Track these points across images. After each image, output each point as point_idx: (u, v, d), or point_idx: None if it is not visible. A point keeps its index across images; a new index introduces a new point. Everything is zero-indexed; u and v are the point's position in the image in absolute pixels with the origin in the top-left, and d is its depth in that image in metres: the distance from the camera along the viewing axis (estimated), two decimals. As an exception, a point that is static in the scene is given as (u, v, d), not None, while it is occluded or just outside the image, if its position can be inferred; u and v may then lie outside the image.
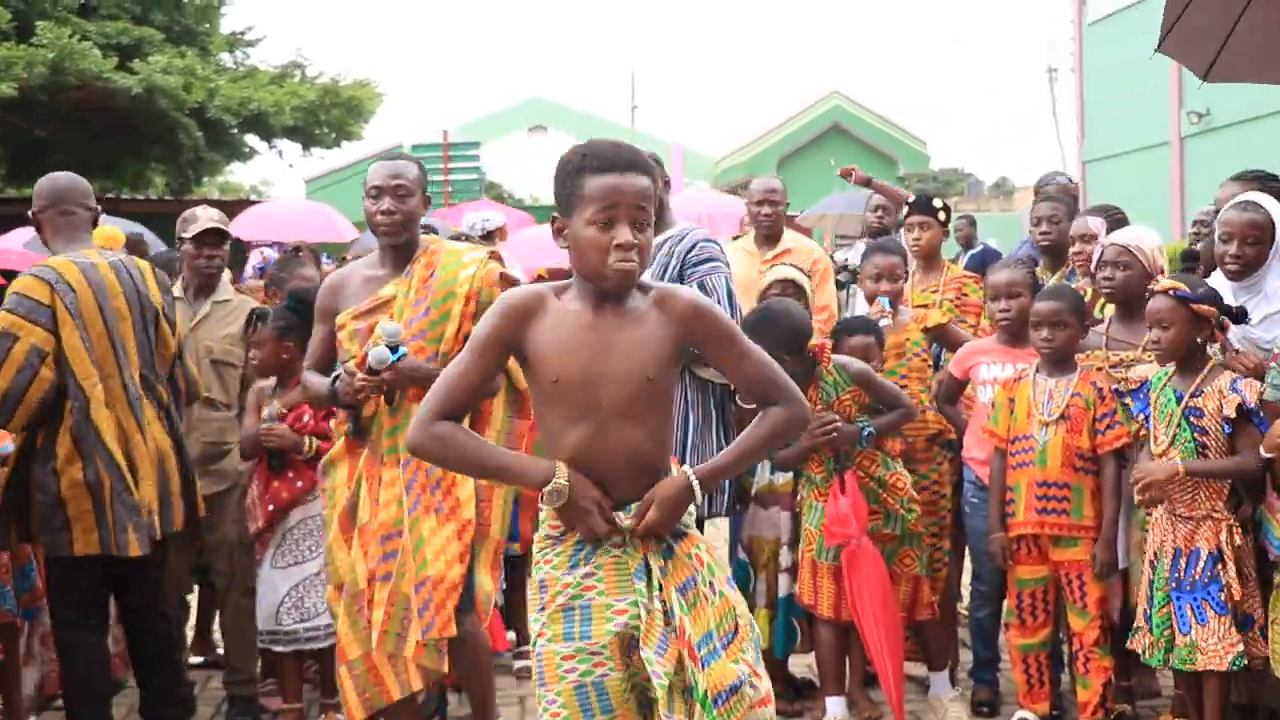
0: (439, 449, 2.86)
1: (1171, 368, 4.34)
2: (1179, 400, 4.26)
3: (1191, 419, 4.22)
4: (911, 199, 6.14)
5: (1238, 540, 4.17)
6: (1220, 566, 4.14)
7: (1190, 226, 5.51)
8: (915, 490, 4.92)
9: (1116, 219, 5.42)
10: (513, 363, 3.36)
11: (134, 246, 9.63)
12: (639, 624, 2.77)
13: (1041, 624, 4.75)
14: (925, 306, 5.58)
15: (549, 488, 2.76)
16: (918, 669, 5.19)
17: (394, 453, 4.07)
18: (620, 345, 2.77)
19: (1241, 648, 4.09)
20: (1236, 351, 4.35)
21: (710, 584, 2.85)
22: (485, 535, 4.16)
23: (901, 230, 6.11)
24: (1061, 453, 4.59)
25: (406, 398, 4.06)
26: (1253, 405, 4.12)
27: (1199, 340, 4.25)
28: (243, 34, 21.57)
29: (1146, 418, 4.37)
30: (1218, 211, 5.01)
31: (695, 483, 2.82)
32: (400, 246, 4.21)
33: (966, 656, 5.23)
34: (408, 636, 3.98)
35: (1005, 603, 4.94)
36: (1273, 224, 4.41)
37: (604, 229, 2.72)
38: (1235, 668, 4.10)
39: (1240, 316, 4.26)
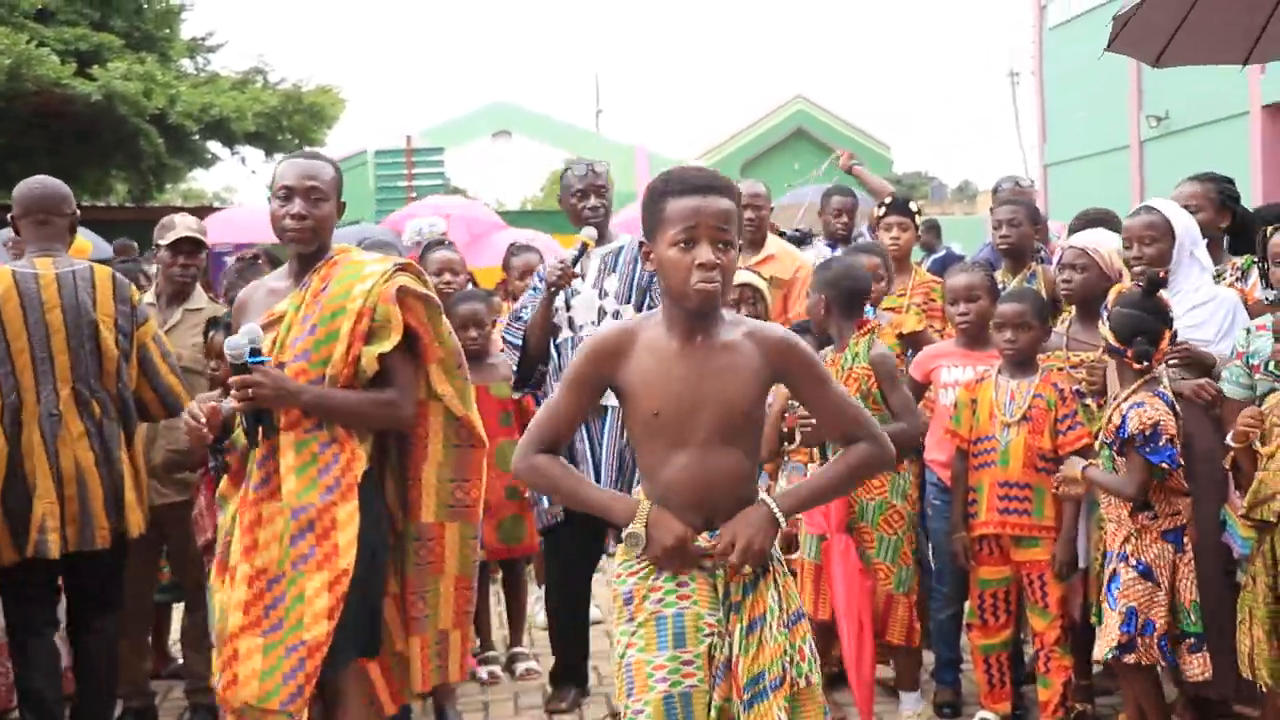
0: (534, 479, 3.04)
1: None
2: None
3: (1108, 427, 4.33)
4: (888, 200, 6.18)
5: (1143, 543, 4.22)
6: (1123, 565, 4.22)
7: None
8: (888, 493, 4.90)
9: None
10: (447, 389, 3.77)
11: (120, 251, 9.55)
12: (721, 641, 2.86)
13: (1003, 624, 4.77)
14: (893, 310, 5.60)
15: (626, 531, 2.86)
16: (885, 671, 5.20)
17: (265, 487, 3.62)
18: (714, 375, 2.82)
19: (1114, 644, 4.17)
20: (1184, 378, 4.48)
21: (774, 626, 2.88)
22: (440, 572, 3.88)
23: (878, 230, 6.14)
24: (1023, 453, 4.62)
25: (276, 430, 3.61)
26: (1128, 433, 4.16)
27: (1110, 354, 4.36)
28: (204, 40, 21.40)
29: None
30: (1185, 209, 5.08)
31: (777, 511, 2.86)
32: (308, 256, 3.77)
33: (928, 658, 5.25)
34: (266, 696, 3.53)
35: (967, 604, 4.96)
36: (1169, 224, 4.63)
37: (685, 250, 2.77)
38: (1105, 659, 4.25)
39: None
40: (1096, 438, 4.57)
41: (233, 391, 3.52)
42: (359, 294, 3.65)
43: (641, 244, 2.93)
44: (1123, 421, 4.20)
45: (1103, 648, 4.24)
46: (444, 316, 3.82)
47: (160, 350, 4.64)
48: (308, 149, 3.82)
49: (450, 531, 3.87)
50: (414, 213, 12.12)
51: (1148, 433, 4.13)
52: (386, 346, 3.65)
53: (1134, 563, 4.21)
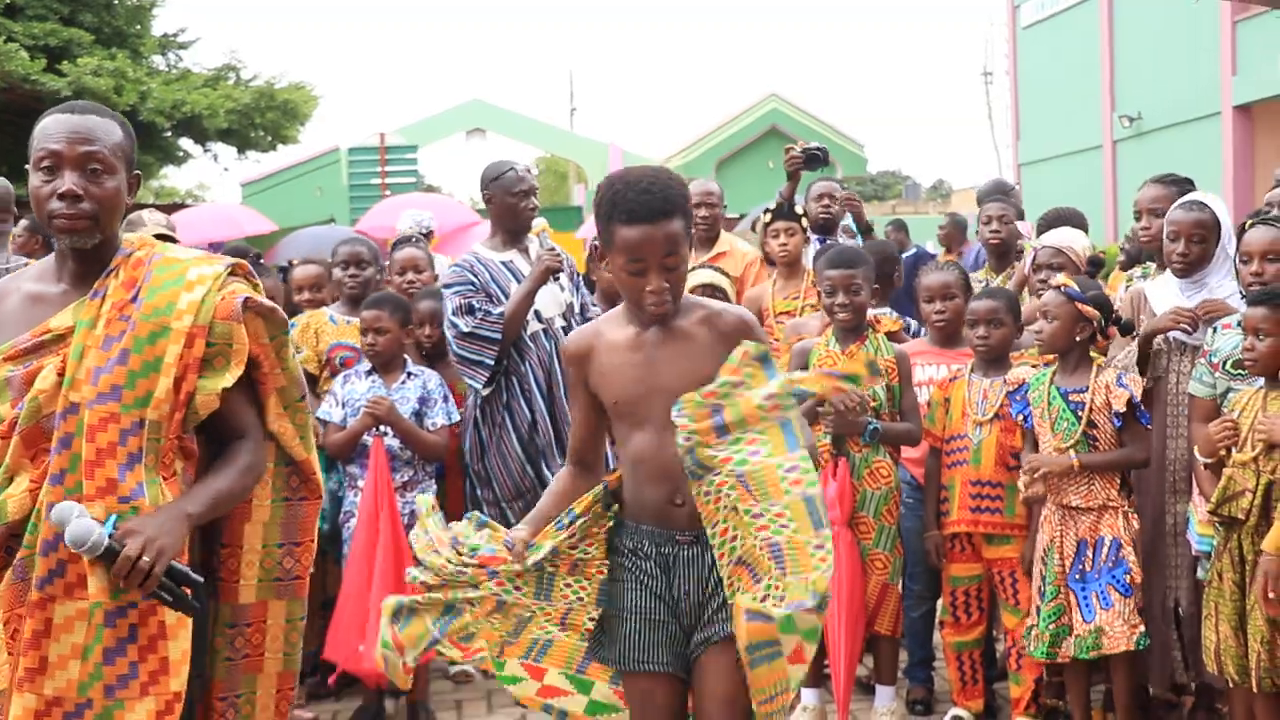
0: None
1: (1053, 368, 4.48)
2: (1064, 396, 4.39)
3: (1078, 413, 4.35)
4: (773, 206, 6.17)
5: (1135, 525, 4.34)
6: (1122, 550, 4.27)
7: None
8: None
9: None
10: (285, 426, 2.90)
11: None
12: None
13: (975, 622, 4.79)
14: (788, 313, 5.64)
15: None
16: (859, 668, 5.20)
17: (60, 578, 2.58)
18: (668, 362, 2.97)
19: (1144, 628, 4.21)
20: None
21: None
22: (258, 669, 2.90)
23: (766, 239, 6.14)
24: (995, 452, 4.64)
25: (211, 591, 2.74)
26: (1138, 400, 4.29)
27: (1077, 339, 4.41)
28: (175, 36, 21.28)
29: (1025, 417, 4.49)
30: (1138, 214, 5.08)
31: None
32: (89, 252, 2.74)
33: (901, 656, 5.25)
34: None
35: (939, 601, 4.97)
36: (1217, 222, 4.49)
37: (637, 276, 2.89)
38: (1139, 647, 4.22)
39: (1127, 329, 4.47)
40: (1023, 437, 4.59)
41: (135, 589, 2.55)
42: (188, 307, 2.72)
43: (594, 247, 3.06)
44: (1130, 395, 4.29)
45: (1130, 636, 4.20)
46: (289, 335, 2.93)
47: None
48: (84, 102, 2.83)
49: (274, 612, 2.92)
50: (399, 207, 12.19)
51: (1139, 398, 4.29)
52: (229, 379, 2.76)
53: (1130, 546, 4.28)
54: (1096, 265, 4.74)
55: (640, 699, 3.03)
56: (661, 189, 2.89)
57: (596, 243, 3.05)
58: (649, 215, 2.85)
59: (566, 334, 5.19)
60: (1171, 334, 4.48)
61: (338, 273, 5.67)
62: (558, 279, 5.28)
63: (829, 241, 6.37)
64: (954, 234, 10.54)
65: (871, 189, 45.90)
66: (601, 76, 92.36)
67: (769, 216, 6.09)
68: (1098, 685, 4.70)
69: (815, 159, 6.35)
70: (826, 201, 6.46)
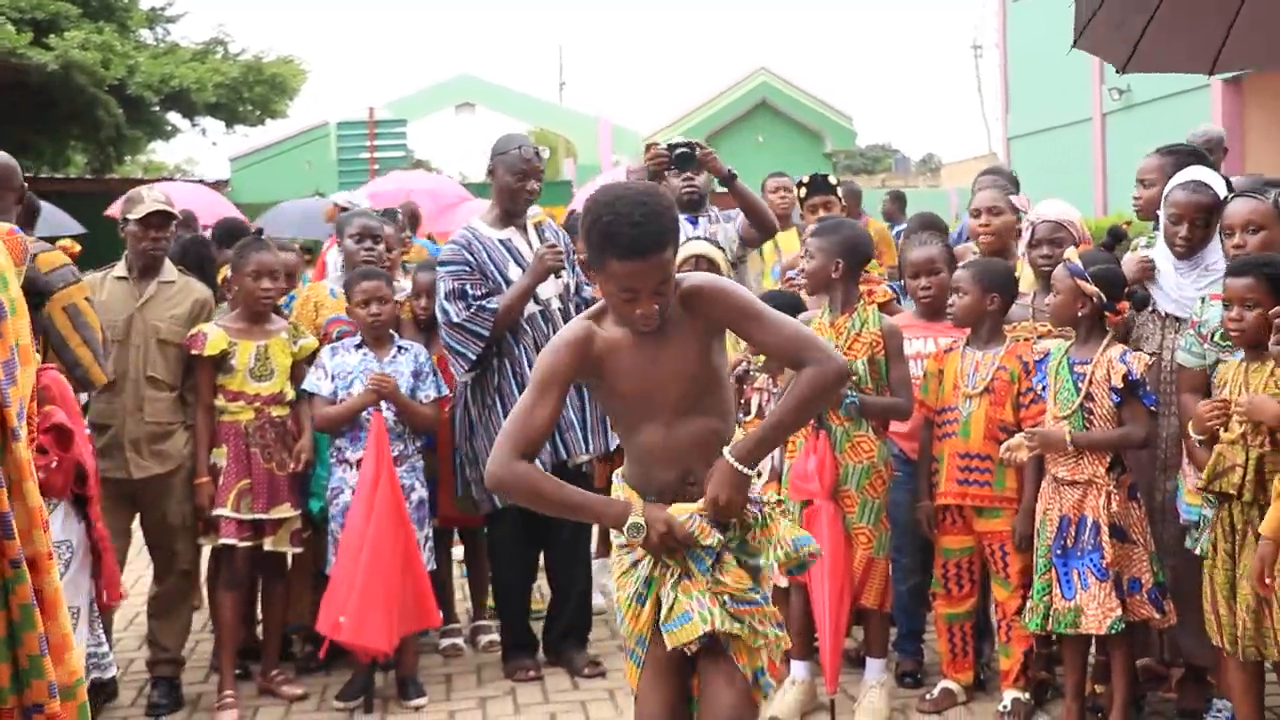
0: (519, 486, 2.99)
1: (1071, 340, 4.47)
2: (1071, 367, 4.40)
3: (1079, 384, 4.35)
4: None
5: (1115, 506, 4.28)
6: (1100, 534, 4.26)
7: None
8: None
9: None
10: None
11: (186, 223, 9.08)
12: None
13: (966, 594, 4.81)
14: None
15: (629, 523, 3.00)
16: (848, 641, 5.22)
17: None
18: (663, 357, 3.03)
19: (1119, 612, 4.21)
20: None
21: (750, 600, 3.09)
22: None
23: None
24: (984, 425, 4.64)
25: None
26: (1138, 377, 4.26)
27: (1079, 313, 4.38)
28: (163, 9, 21.17)
29: (1044, 388, 4.49)
30: (1141, 182, 5.07)
31: (737, 464, 2.99)
32: None
33: (891, 629, 5.27)
34: None
35: (931, 574, 4.99)
36: (1219, 203, 4.44)
37: (629, 302, 2.93)
38: (1113, 632, 4.22)
39: (1140, 303, 4.44)
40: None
41: None
42: (4, 262, 2.04)
43: (584, 260, 3.04)
44: (1128, 370, 4.26)
45: (1104, 620, 4.21)
46: None
47: (74, 321, 4.25)
48: None
49: None
50: (377, 190, 12.15)
51: (1145, 376, 4.26)
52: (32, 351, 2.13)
53: (1108, 528, 4.25)
54: (1117, 237, 4.67)
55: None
56: (654, 220, 2.88)
57: (583, 257, 3.05)
58: (643, 251, 2.85)
59: (563, 316, 5.17)
60: (1162, 309, 4.49)
61: (351, 245, 5.66)
62: (559, 276, 5.25)
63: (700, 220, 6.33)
64: (892, 209, 10.58)
65: (861, 163, 45.78)
66: (591, 50, 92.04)
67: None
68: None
69: (686, 158, 5.73)
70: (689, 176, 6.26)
